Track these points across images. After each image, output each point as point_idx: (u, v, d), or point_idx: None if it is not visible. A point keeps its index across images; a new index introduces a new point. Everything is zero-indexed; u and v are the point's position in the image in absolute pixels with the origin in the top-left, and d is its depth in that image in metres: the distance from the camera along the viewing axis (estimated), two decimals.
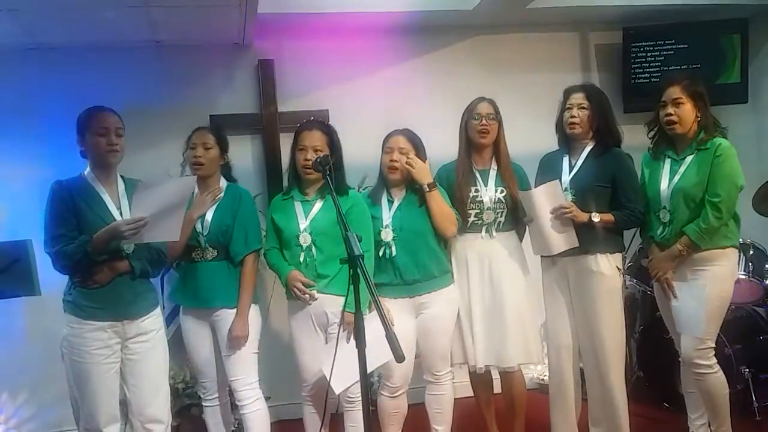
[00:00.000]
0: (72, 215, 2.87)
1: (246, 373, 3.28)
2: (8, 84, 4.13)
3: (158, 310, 3.11)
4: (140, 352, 2.98)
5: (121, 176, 3.06)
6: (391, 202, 3.43)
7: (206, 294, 3.27)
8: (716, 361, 3.30)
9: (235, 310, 3.25)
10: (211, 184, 3.34)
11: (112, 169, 3.00)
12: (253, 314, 3.31)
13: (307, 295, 3.23)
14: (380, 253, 3.35)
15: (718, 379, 3.30)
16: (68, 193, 2.89)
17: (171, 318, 3.87)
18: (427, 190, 3.35)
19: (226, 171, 3.46)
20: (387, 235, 3.36)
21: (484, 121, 3.43)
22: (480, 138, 3.45)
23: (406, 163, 3.34)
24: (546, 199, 3.34)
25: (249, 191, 3.49)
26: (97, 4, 3.48)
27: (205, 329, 3.33)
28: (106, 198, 2.95)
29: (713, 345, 3.29)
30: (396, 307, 3.32)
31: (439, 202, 3.36)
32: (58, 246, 2.83)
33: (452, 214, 3.40)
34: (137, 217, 2.79)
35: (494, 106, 3.48)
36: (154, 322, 3.04)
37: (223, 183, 3.38)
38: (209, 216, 3.28)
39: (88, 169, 2.99)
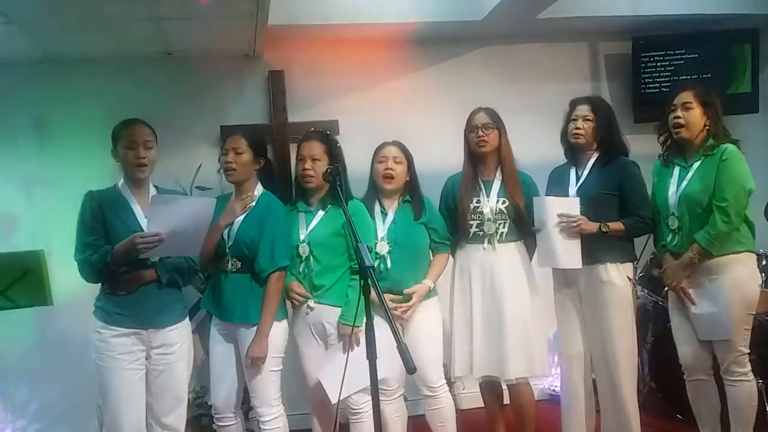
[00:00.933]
0: (100, 225, 2.92)
1: (266, 390, 3.16)
2: (22, 96, 4.16)
3: (186, 321, 3.11)
4: (165, 362, 2.99)
5: (155, 186, 3.08)
6: (384, 214, 3.44)
7: (227, 307, 3.18)
8: (751, 368, 3.28)
9: (253, 328, 3.11)
10: (245, 190, 3.24)
11: (144, 180, 3.02)
12: (278, 331, 3.18)
13: (305, 305, 3.26)
14: (374, 265, 3.35)
15: (751, 387, 3.29)
16: (97, 203, 2.95)
17: None
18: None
19: (267, 177, 3.34)
20: (382, 248, 3.36)
21: (480, 132, 3.44)
22: (479, 148, 3.46)
23: (407, 306, 3.33)
24: (561, 212, 3.32)
25: (280, 201, 3.33)
26: (109, 16, 3.49)
27: (228, 343, 3.24)
28: (137, 208, 2.98)
29: (747, 351, 3.27)
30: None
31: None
32: (84, 255, 2.90)
33: (444, 263, 3.52)
34: (152, 232, 2.79)
35: (491, 115, 3.48)
36: (180, 333, 3.04)
37: (258, 191, 3.26)
38: (236, 226, 3.18)
39: (121, 180, 3.03)
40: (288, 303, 3.33)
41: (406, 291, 3.33)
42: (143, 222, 2.94)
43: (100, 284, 2.99)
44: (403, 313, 3.31)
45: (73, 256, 2.95)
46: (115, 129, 3.00)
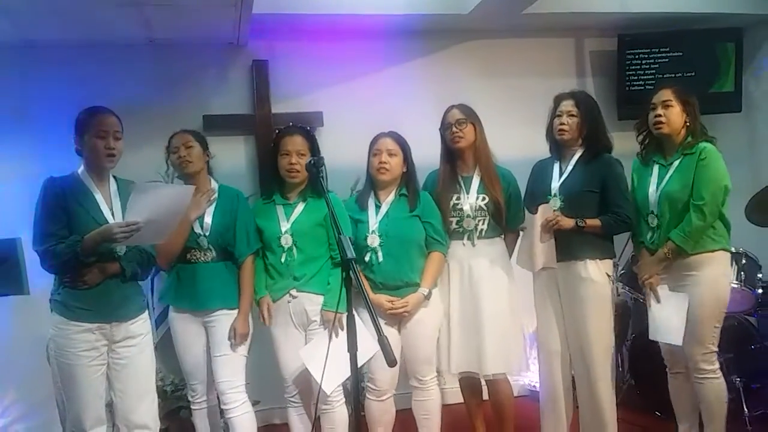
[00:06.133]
0: (63, 213, 2.83)
1: (234, 375, 3.27)
2: (1, 82, 4.08)
3: (146, 313, 3.08)
4: (128, 356, 2.94)
5: (114, 176, 3.02)
6: (378, 206, 3.43)
7: (204, 296, 3.26)
8: (719, 366, 3.31)
9: (232, 311, 3.26)
10: (201, 184, 3.30)
11: (106, 170, 2.97)
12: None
13: (287, 294, 3.29)
14: (366, 258, 3.35)
15: (719, 384, 3.31)
16: (60, 191, 2.85)
17: (161, 320, 3.84)
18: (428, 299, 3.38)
19: (210, 172, 3.45)
20: (373, 240, 3.35)
21: (453, 129, 3.43)
22: (454, 144, 3.45)
23: (403, 311, 3.30)
24: (538, 220, 3.35)
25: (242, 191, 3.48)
26: (91, 2, 3.45)
27: (198, 330, 3.32)
28: (99, 198, 2.91)
29: (716, 349, 3.30)
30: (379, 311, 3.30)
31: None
32: (48, 244, 2.79)
33: (441, 263, 3.43)
34: (131, 221, 2.74)
35: (464, 111, 3.47)
36: (142, 325, 3.01)
37: (215, 184, 3.38)
38: (208, 218, 3.28)
39: (81, 167, 2.95)
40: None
41: (398, 303, 3.30)
42: (106, 212, 2.90)
43: (55, 277, 2.90)
44: (397, 314, 3.30)
45: (32, 245, 2.85)
46: (80, 116, 2.91)
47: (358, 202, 3.47)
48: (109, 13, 3.64)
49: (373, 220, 3.39)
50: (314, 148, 3.35)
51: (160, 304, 3.72)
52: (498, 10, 4.29)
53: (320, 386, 2.94)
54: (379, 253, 3.34)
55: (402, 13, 4.32)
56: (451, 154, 3.52)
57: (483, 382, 3.60)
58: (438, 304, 3.44)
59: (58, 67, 4.12)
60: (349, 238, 2.37)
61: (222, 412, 3.51)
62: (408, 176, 3.46)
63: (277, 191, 3.41)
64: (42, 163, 3.94)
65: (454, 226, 3.47)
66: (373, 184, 3.47)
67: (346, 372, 2.94)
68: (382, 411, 3.41)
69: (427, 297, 3.36)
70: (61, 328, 2.85)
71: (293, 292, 3.28)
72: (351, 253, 2.28)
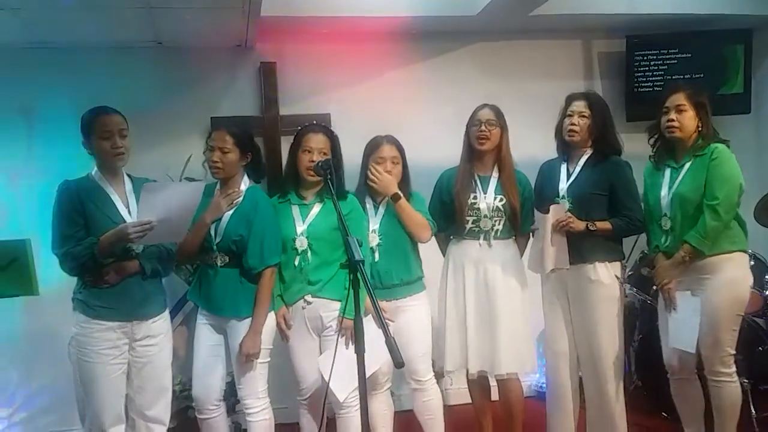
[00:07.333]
0: (80, 216, 2.86)
1: (254, 382, 3.18)
2: (10, 82, 4.11)
3: (167, 312, 3.10)
4: (148, 354, 2.97)
5: (128, 175, 3.05)
6: (376, 207, 3.43)
7: (217, 301, 3.17)
8: (735, 369, 3.29)
9: (243, 321, 3.12)
10: (232, 185, 3.20)
11: (118, 169, 2.99)
12: (267, 324, 3.18)
13: (302, 300, 3.24)
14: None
15: (735, 388, 3.29)
16: (76, 194, 2.89)
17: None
18: (392, 202, 3.35)
19: (254, 169, 3.31)
20: (373, 240, 3.36)
21: (483, 127, 3.41)
22: (479, 144, 3.44)
23: (370, 179, 3.32)
24: (550, 220, 3.35)
25: (267, 196, 3.34)
26: (99, 4, 3.47)
27: (216, 334, 3.24)
28: (115, 197, 2.94)
29: (734, 352, 3.28)
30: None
31: (407, 211, 3.37)
32: (66, 247, 2.83)
33: (423, 220, 3.42)
34: (144, 220, 2.77)
35: (496, 112, 3.46)
36: (162, 324, 3.04)
37: (245, 184, 3.24)
38: (224, 222, 3.14)
39: (95, 168, 2.98)
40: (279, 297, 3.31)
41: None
42: (123, 211, 2.92)
43: (77, 278, 2.92)
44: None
45: (51, 248, 2.88)
46: (84, 119, 2.93)
47: None
48: (117, 15, 3.66)
49: (373, 220, 3.40)
50: (335, 149, 3.29)
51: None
52: (506, 11, 4.29)
53: (327, 389, 2.94)
54: (377, 253, 3.35)
55: (409, 15, 4.31)
56: (470, 153, 3.50)
57: (493, 383, 3.60)
58: (427, 304, 3.47)
59: (67, 69, 4.14)
60: (358, 239, 2.36)
61: (229, 412, 3.52)
62: (404, 179, 3.45)
63: (293, 190, 3.34)
64: (52, 164, 3.98)
65: (470, 225, 3.47)
66: (370, 187, 3.44)
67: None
68: (381, 405, 3.42)
69: (420, 287, 3.41)
70: (83, 327, 2.89)
71: (308, 297, 3.24)
72: (359, 255, 2.28)
